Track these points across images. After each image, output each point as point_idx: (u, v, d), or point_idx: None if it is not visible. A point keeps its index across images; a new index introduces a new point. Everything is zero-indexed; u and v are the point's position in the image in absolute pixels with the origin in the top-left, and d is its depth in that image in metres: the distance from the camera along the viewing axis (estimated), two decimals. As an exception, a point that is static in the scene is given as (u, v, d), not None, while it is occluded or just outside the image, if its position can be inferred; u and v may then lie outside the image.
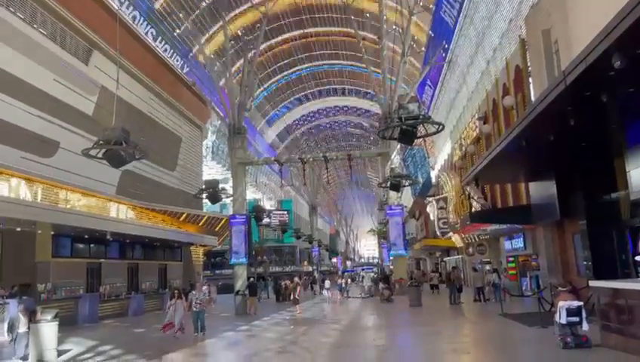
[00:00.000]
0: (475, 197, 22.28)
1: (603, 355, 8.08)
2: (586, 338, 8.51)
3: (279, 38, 44.54)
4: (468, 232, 25.26)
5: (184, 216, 30.16)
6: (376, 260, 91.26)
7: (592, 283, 9.46)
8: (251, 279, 25.06)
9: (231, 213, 28.01)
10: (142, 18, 29.30)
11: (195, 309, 13.22)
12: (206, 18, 35.22)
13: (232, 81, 30.01)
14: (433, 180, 34.91)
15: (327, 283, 31.80)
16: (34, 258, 18.58)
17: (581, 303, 8.73)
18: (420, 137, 12.96)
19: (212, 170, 47.02)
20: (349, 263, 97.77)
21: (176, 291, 14.10)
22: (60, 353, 10.78)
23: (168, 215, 29.02)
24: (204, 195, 20.92)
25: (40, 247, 18.78)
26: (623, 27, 5.56)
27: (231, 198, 25.80)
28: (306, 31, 44.51)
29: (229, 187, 26.73)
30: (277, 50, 46.23)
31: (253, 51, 32.18)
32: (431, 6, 29.64)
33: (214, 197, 20.01)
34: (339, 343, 11.87)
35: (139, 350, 11.44)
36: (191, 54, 35.81)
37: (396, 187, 21.84)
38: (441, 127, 12.76)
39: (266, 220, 46.55)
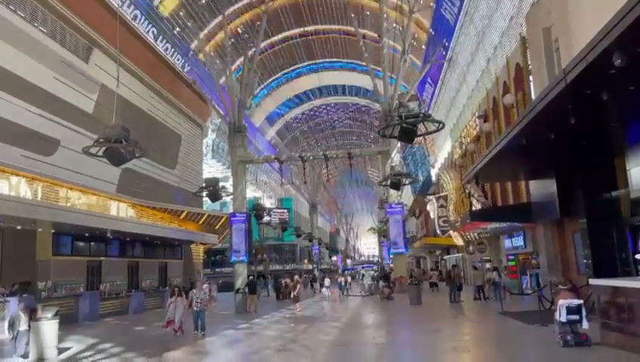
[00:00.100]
0: (476, 196, 22.26)
1: (603, 353, 8.08)
2: (586, 337, 8.52)
3: (280, 36, 44.48)
4: (468, 230, 25.25)
5: (184, 214, 30.21)
6: (376, 258, 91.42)
7: (592, 281, 9.46)
8: (251, 277, 25.12)
9: (231, 211, 27.99)
10: (143, 17, 29.29)
11: (195, 308, 13.16)
12: (206, 15, 35.19)
13: (232, 79, 29.98)
14: (433, 178, 34.86)
15: (327, 281, 31.77)
16: (34, 256, 18.63)
17: (581, 301, 8.73)
18: (420, 135, 12.94)
19: (212, 169, 47.01)
20: (349, 261, 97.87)
21: (176, 288, 14.09)
22: (60, 351, 10.80)
23: (168, 213, 29.06)
24: (204, 193, 20.95)
25: (40, 245, 18.83)
26: (623, 25, 5.55)
27: (231, 196, 25.77)
28: (306, 29, 44.45)
29: (229, 185, 26.70)
30: (277, 48, 46.20)
31: (253, 49, 32.15)
32: (431, 4, 29.59)
33: (214, 196, 20.05)
34: (339, 341, 11.87)
35: (139, 348, 11.46)
36: (191, 52, 35.80)
37: (396, 185, 21.83)
38: (441, 125, 12.71)
39: (266, 218, 46.53)
